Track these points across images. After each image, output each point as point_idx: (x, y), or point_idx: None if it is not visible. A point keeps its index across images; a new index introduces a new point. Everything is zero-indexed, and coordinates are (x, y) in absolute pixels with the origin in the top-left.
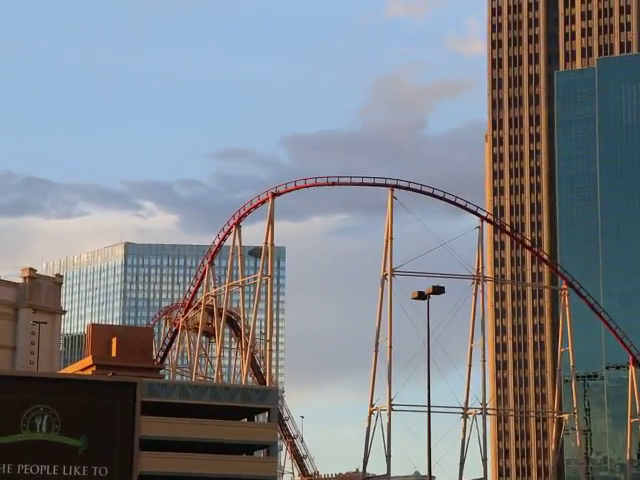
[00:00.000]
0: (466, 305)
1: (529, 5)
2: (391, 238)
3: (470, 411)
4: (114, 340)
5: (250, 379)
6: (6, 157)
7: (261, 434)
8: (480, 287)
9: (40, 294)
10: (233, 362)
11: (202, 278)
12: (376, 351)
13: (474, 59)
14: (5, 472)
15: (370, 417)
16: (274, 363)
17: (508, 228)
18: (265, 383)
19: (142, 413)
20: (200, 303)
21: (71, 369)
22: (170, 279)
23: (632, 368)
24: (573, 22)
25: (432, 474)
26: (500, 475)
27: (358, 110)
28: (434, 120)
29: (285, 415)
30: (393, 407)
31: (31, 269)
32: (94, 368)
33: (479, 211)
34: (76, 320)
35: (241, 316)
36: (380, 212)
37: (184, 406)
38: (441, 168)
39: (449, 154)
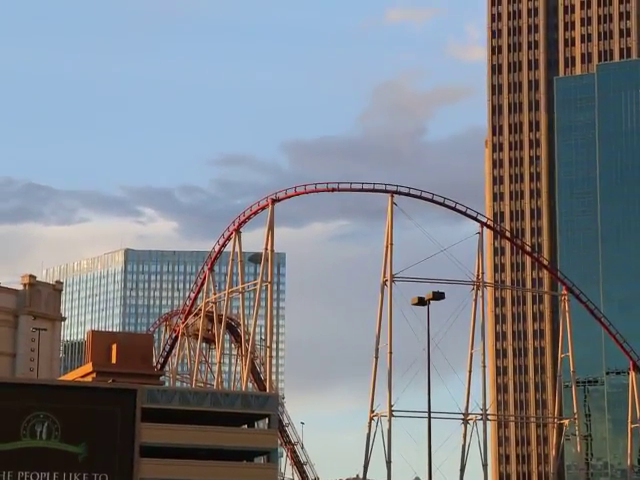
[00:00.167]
0: (466, 311)
1: (529, 11)
2: (391, 244)
3: (470, 417)
4: (114, 347)
5: (250, 385)
6: (6, 164)
7: (261, 440)
8: (480, 293)
9: (40, 301)
10: (233, 368)
11: (202, 284)
12: (376, 357)
13: (474, 65)
14: (5, 479)
15: (370, 423)
16: (274, 369)
17: (508, 234)
18: (265, 389)
19: (142, 420)
20: (200, 309)
21: (71, 376)
22: (170, 285)
23: (632, 373)
24: (573, 28)
25: None
26: None
27: (358, 116)
28: (434, 126)
29: (285, 421)
30: (393, 413)
31: (31, 276)
32: (94, 375)
33: (479, 217)
34: (76, 327)
35: (241, 322)
36: (380, 218)
37: (184, 413)
38: (441, 174)
39: (449, 160)
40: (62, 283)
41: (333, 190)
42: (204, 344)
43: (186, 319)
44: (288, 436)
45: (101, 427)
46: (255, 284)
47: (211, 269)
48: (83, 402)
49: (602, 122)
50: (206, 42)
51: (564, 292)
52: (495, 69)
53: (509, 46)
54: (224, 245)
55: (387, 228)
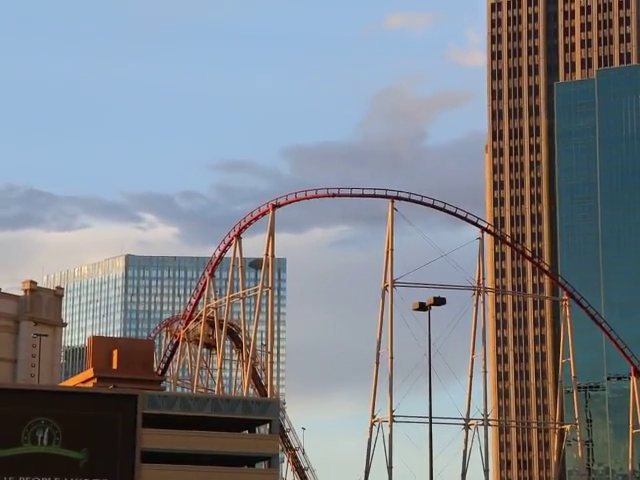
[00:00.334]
0: (467, 316)
1: (529, 17)
2: (392, 249)
3: (472, 422)
4: (115, 352)
5: (251, 391)
6: (7, 170)
7: (262, 446)
8: (481, 298)
9: (41, 307)
10: (234, 374)
11: (203, 290)
12: (377, 362)
13: (474, 70)
14: None
15: (371, 428)
16: (275, 375)
17: (509, 239)
18: (266, 395)
19: (143, 425)
20: (201, 315)
21: (72, 382)
22: (171, 291)
23: (633, 379)
24: (573, 33)
25: None
26: None
27: (358, 121)
28: (434, 131)
29: (286, 427)
30: (394, 418)
31: (32, 282)
32: (95, 380)
33: (479, 222)
34: (77, 332)
35: (242, 328)
36: (381, 223)
37: (185, 418)
38: (441, 179)
39: (449, 165)
40: (63, 289)
41: (334, 196)
42: (205, 349)
43: (187, 325)
44: (289, 441)
45: (102, 433)
46: (256, 289)
47: (212, 275)
48: (84, 408)
49: (602, 127)
50: (206, 47)
51: (565, 297)
52: (495, 74)
53: (509, 51)
54: (225, 251)
55: (387, 233)
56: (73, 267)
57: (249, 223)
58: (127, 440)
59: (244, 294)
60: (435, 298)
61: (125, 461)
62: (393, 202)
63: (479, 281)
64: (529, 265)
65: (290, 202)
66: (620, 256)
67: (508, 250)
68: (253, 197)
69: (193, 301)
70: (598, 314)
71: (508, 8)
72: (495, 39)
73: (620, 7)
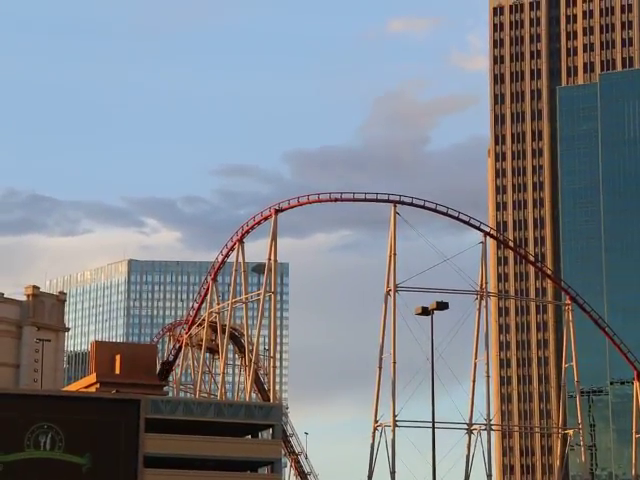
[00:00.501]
0: (470, 321)
1: (531, 21)
2: (394, 254)
3: (474, 427)
4: (118, 357)
5: (254, 396)
6: (10, 175)
7: (265, 451)
8: (484, 302)
9: (44, 312)
10: (237, 379)
11: (205, 295)
12: (380, 367)
13: (476, 75)
14: None
15: (374, 433)
16: (278, 379)
17: (511, 243)
18: (269, 399)
19: (146, 430)
20: (203, 320)
21: (75, 386)
22: (173, 296)
23: (637, 383)
24: (575, 38)
25: None
26: None
27: (360, 126)
28: (437, 136)
29: (289, 431)
30: (397, 423)
31: (35, 287)
32: (98, 385)
33: (482, 226)
34: (80, 337)
35: (245, 332)
36: (383, 228)
37: (188, 423)
38: (444, 183)
39: (452, 169)
40: (66, 294)
41: (336, 200)
42: (208, 354)
43: (189, 329)
44: (292, 446)
45: (105, 438)
46: (258, 294)
47: (214, 279)
48: (87, 413)
49: (605, 131)
50: (208, 52)
51: (568, 302)
52: (497, 79)
53: (511, 56)
54: (227, 255)
55: (390, 238)
56: (76, 272)
57: (251, 228)
58: (130, 445)
59: (247, 299)
60: (438, 302)
61: (128, 466)
62: (395, 206)
63: (482, 285)
64: (532, 269)
65: (292, 207)
66: (623, 260)
67: (511, 254)
68: (255, 202)
69: (196, 306)
70: (601, 318)
71: (510, 12)
72: (497, 43)
73: (622, 11)
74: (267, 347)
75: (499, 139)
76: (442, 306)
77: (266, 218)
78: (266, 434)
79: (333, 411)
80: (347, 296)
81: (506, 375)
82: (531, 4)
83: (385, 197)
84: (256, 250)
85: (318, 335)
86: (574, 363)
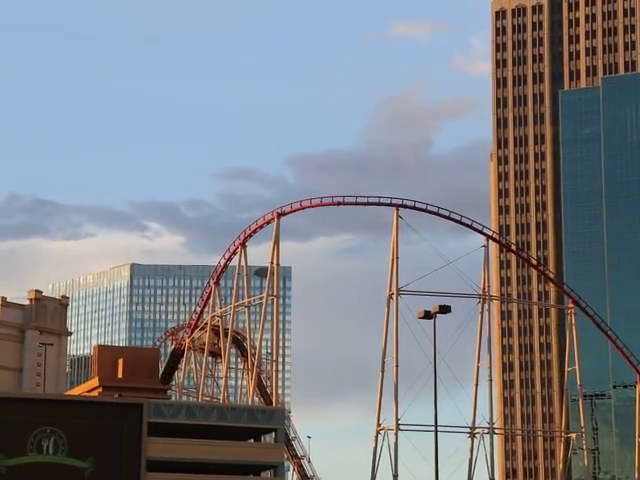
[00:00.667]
0: (472, 324)
1: (533, 25)
2: (397, 257)
3: (477, 430)
4: (120, 361)
5: (257, 399)
6: (12, 179)
7: (268, 455)
8: (486, 306)
9: (46, 316)
10: (239, 382)
11: (208, 298)
12: (382, 371)
13: (479, 78)
14: None
15: (377, 437)
16: (280, 383)
17: (514, 247)
18: (272, 403)
19: (149, 434)
20: (206, 323)
21: (77, 390)
22: (176, 300)
23: (639, 387)
24: (578, 41)
25: None
26: None
27: (363, 130)
28: (439, 139)
29: (292, 435)
30: (400, 427)
31: (37, 291)
32: (100, 389)
33: (485, 230)
34: (82, 341)
35: (247, 336)
36: (385, 232)
37: (191, 427)
38: (446, 187)
39: (454, 173)
40: (68, 298)
41: (339, 204)
42: (210, 358)
43: (192, 333)
44: (295, 450)
45: (107, 442)
46: (261, 298)
47: (217, 283)
48: (89, 417)
49: (607, 135)
50: (210, 56)
51: (570, 305)
52: (500, 82)
53: (514, 59)
54: (230, 259)
55: (392, 241)
56: (78, 276)
57: (254, 231)
58: (132, 449)
59: (249, 302)
60: (440, 306)
61: (130, 470)
62: (398, 210)
63: (484, 289)
64: (534, 273)
65: (295, 210)
66: (625, 264)
67: (513, 258)
68: (258, 205)
69: (198, 310)
70: (604, 322)
71: (513, 16)
72: (500, 47)
73: (625, 15)
74: (270, 351)
75: (501, 143)
76: (444, 310)
77: (268, 222)
78: (269, 438)
79: (336, 415)
80: (350, 300)
81: (509, 379)
82: (534, 8)
83: (387, 201)
84: (259, 254)
85: (320, 339)
86: (577, 367)
